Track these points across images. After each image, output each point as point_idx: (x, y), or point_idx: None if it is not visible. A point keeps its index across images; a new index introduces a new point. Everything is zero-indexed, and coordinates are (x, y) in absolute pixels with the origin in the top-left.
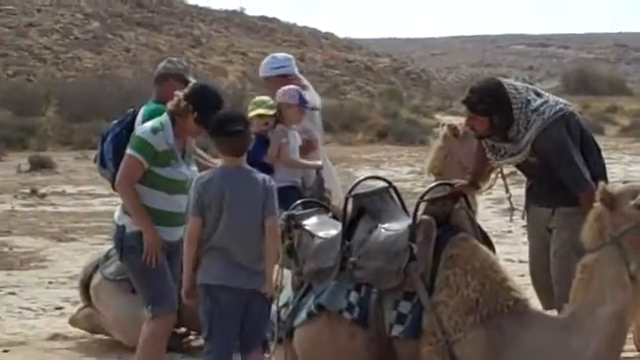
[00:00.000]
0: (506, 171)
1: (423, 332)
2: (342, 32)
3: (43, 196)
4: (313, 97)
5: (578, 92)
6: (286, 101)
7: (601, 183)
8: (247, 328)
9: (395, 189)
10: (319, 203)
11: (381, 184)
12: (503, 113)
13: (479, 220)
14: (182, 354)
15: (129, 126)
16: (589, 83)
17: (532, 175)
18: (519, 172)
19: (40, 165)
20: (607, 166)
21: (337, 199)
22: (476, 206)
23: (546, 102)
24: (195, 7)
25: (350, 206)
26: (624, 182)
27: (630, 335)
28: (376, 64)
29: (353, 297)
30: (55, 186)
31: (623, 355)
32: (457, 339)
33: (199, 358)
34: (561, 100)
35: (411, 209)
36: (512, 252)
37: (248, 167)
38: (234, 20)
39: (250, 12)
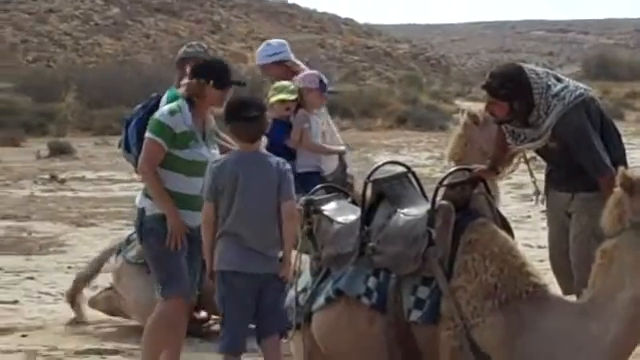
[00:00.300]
0: (527, 156)
1: (441, 317)
2: (362, 18)
3: (62, 181)
4: None
5: (598, 78)
6: (306, 86)
7: (621, 168)
8: (262, 313)
9: (414, 174)
10: (339, 188)
11: (400, 169)
12: (524, 98)
13: (498, 205)
14: (201, 339)
15: (153, 111)
16: (609, 68)
17: (552, 160)
18: (539, 157)
19: (59, 151)
20: (627, 151)
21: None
22: (497, 192)
23: (566, 87)
24: None
25: (369, 191)
26: None
27: None
28: (395, 50)
29: (371, 282)
30: (74, 172)
31: None
32: (475, 324)
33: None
34: (581, 85)
35: (430, 194)
36: (531, 237)
37: (263, 152)
38: (254, 6)
39: None
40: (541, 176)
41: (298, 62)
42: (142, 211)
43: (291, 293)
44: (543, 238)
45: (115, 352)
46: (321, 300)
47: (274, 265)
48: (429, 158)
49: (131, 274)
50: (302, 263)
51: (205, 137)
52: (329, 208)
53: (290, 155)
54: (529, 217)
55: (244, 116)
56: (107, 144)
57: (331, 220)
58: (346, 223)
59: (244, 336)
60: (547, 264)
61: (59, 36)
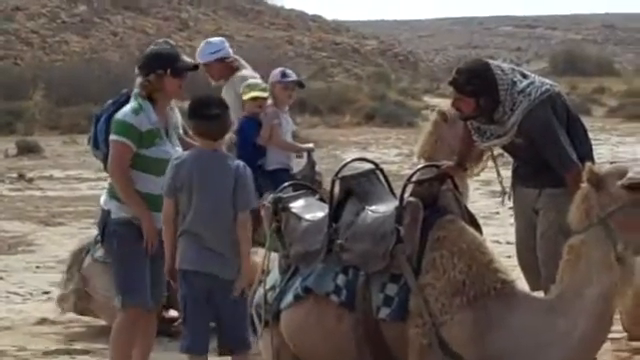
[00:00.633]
0: (495, 153)
1: (410, 314)
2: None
3: (31, 180)
4: (252, 74)
5: (566, 73)
6: (271, 81)
7: (587, 163)
8: (222, 325)
9: (382, 171)
10: (307, 185)
11: (368, 166)
12: (490, 94)
13: (467, 202)
14: (170, 338)
15: (123, 107)
16: (577, 64)
17: (518, 156)
18: (506, 154)
19: (27, 149)
20: (594, 147)
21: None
22: (467, 189)
23: (532, 83)
24: None
25: (337, 188)
26: (611, 163)
27: (617, 316)
28: (364, 46)
29: (340, 280)
30: (42, 170)
31: (610, 336)
32: (444, 321)
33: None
34: (547, 81)
35: (398, 191)
36: (499, 234)
37: (224, 152)
38: (222, 3)
39: None
40: (508, 172)
41: (237, 57)
42: (107, 213)
43: (260, 291)
44: (511, 234)
45: (85, 352)
46: (290, 298)
47: (233, 271)
48: (397, 155)
49: (99, 273)
50: (271, 261)
51: (168, 133)
52: (297, 205)
53: (260, 152)
54: (497, 213)
55: (205, 114)
56: (75, 142)
57: (299, 218)
58: (314, 220)
59: (206, 336)
60: (515, 260)
61: (26, 34)
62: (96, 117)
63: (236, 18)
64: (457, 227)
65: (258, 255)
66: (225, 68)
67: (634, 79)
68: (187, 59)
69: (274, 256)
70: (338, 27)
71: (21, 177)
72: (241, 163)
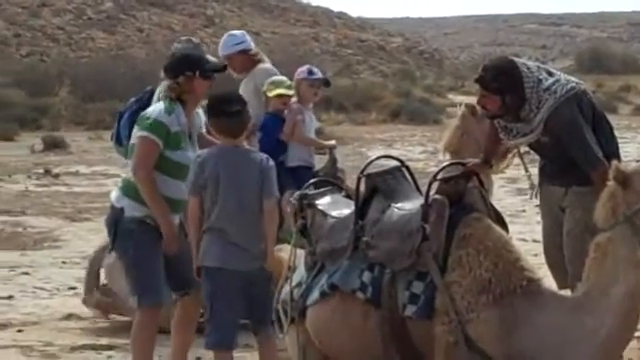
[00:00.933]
0: (522, 150)
1: (436, 312)
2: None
3: (57, 176)
4: (273, 68)
5: (591, 71)
6: (297, 78)
7: (614, 161)
8: (252, 308)
9: (408, 168)
10: (332, 182)
11: (394, 163)
12: (516, 92)
13: (493, 199)
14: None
15: (146, 104)
16: (602, 62)
17: (545, 154)
18: (532, 151)
19: (53, 145)
20: (620, 145)
21: None
22: (491, 185)
23: (558, 81)
24: None
25: (363, 185)
26: (638, 161)
27: None
28: (389, 44)
29: (366, 277)
30: (68, 166)
31: (637, 334)
32: (470, 319)
33: (199, 339)
34: (573, 79)
35: (424, 189)
36: (525, 231)
37: (246, 147)
38: (247, 0)
39: None
40: (535, 170)
41: (258, 50)
42: (120, 211)
43: (286, 287)
44: (537, 232)
45: (110, 347)
46: (316, 294)
47: (259, 261)
48: (422, 152)
49: (122, 270)
50: (297, 258)
51: (191, 137)
52: (323, 202)
53: (282, 148)
54: (524, 211)
55: (226, 111)
56: (101, 138)
57: (325, 214)
58: (340, 217)
59: (233, 332)
60: (542, 258)
61: (52, 30)
62: (119, 114)
63: (262, 15)
64: (483, 225)
65: (284, 252)
66: (247, 60)
67: None
68: (214, 59)
69: (300, 253)
70: (363, 24)
71: (47, 173)
72: (264, 156)
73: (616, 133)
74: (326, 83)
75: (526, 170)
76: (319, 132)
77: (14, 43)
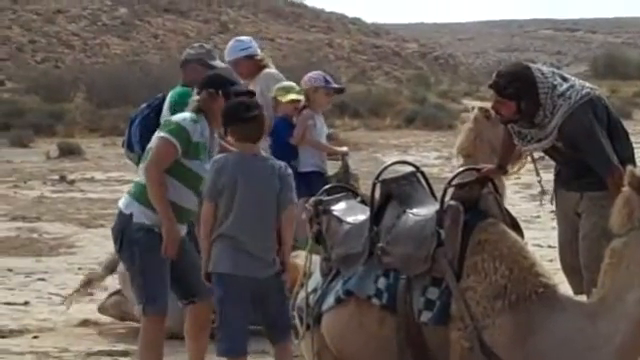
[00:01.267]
0: (535, 155)
1: (451, 318)
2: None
3: (72, 182)
4: (278, 73)
5: (606, 77)
6: (313, 85)
7: (629, 167)
8: (269, 319)
9: (423, 174)
10: (348, 187)
11: (409, 169)
12: (530, 98)
13: (507, 205)
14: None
15: (157, 109)
16: (617, 67)
17: (560, 160)
18: (547, 157)
19: (69, 151)
20: (635, 150)
21: None
22: (504, 189)
23: (572, 87)
24: None
25: (378, 191)
26: None
27: None
28: (404, 49)
29: (381, 283)
30: (84, 172)
31: None
32: (486, 325)
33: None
34: (587, 84)
35: (439, 194)
36: (540, 237)
37: (264, 155)
38: (262, 6)
39: None
40: (550, 176)
41: (264, 55)
42: (129, 217)
43: (301, 293)
44: (552, 238)
45: (125, 354)
46: (331, 300)
47: (273, 268)
48: (438, 158)
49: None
50: (312, 264)
51: (210, 154)
52: (338, 208)
53: (293, 153)
54: (538, 217)
55: (244, 117)
56: (116, 145)
57: (340, 220)
58: (355, 223)
59: (244, 339)
60: (557, 264)
61: (67, 37)
62: (131, 119)
63: (276, 20)
64: (498, 230)
65: (299, 258)
66: (253, 66)
67: None
68: (241, 83)
69: (315, 259)
70: (378, 30)
71: (62, 179)
72: (283, 164)
73: (631, 138)
74: (340, 91)
75: (537, 174)
76: (330, 138)
77: (29, 49)
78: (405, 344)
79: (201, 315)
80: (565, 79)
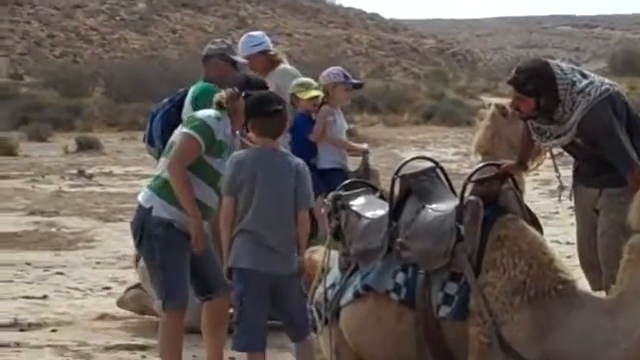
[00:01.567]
0: (554, 151)
1: (470, 313)
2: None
3: (90, 177)
4: (293, 68)
5: (625, 73)
6: (332, 80)
7: None
8: (290, 317)
9: (442, 169)
10: (367, 183)
11: (428, 164)
12: (549, 94)
13: (526, 201)
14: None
15: (179, 104)
16: (636, 64)
17: (578, 156)
18: (566, 153)
19: (87, 146)
20: None
21: None
22: (523, 186)
23: (591, 83)
24: None
25: (397, 187)
26: None
27: None
28: (422, 45)
29: (400, 278)
30: (102, 167)
31: None
32: (504, 320)
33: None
34: (607, 81)
35: (458, 190)
36: (559, 234)
37: (284, 150)
38: (280, 1)
39: None
40: (569, 172)
41: (277, 50)
42: (148, 211)
43: (320, 288)
44: (571, 234)
45: (144, 347)
46: (349, 295)
47: (291, 267)
48: (456, 153)
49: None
50: (331, 259)
51: (231, 151)
52: (357, 203)
53: (313, 150)
54: (557, 213)
55: (267, 110)
56: (134, 139)
57: (359, 215)
58: (374, 218)
59: (262, 334)
60: (575, 260)
61: (85, 31)
62: (152, 114)
63: (294, 16)
64: (518, 226)
65: (318, 253)
66: (267, 61)
67: None
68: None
69: (334, 254)
70: (396, 26)
71: (81, 173)
72: (301, 161)
73: None
74: (359, 86)
75: (556, 170)
76: (350, 134)
77: (48, 44)
78: (423, 339)
79: (218, 311)
80: (585, 75)
